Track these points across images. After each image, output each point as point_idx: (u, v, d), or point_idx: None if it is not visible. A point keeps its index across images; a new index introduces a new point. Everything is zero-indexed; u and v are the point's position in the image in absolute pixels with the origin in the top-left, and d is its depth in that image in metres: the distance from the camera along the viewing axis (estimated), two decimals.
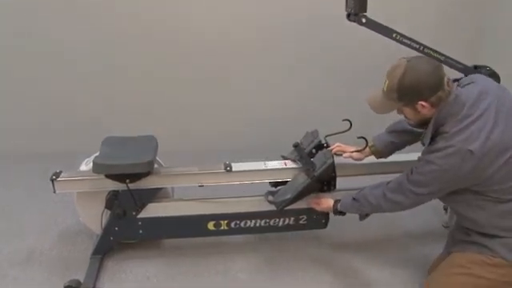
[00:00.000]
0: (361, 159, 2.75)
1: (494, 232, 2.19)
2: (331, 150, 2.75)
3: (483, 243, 2.22)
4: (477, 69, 2.80)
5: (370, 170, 2.90)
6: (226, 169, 2.79)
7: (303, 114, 4.42)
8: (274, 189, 2.86)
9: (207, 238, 2.99)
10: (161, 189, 2.81)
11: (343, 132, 2.71)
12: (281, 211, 2.74)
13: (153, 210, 2.80)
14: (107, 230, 2.84)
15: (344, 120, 2.75)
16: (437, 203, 2.56)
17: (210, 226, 2.88)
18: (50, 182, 2.72)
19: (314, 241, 3.12)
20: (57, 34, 4.00)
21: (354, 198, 2.51)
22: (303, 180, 2.69)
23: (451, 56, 2.74)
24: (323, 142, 2.84)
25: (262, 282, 2.77)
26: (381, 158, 2.74)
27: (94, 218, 2.85)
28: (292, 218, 2.91)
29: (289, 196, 2.68)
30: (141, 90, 4.27)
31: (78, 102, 4.26)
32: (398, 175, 2.35)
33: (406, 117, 2.28)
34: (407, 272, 2.84)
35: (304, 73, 4.37)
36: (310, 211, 2.86)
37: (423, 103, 2.10)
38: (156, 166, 2.86)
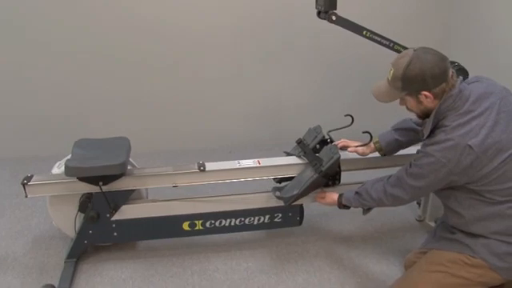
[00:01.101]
0: (366, 154, 2.75)
1: (480, 232, 2.19)
2: (337, 145, 2.77)
3: (465, 242, 2.23)
4: None
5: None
6: (199, 168, 2.78)
7: (286, 111, 4.48)
8: (279, 185, 2.87)
9: (183, 238, 2.98)
10: (134, 190, 2.79)
11: (345, 127, 2.75)
12: (259, 210, 2.79)
13: (127, 212, 2.79)
14: (81, 234, 2.81)
15: (346, 115, 2.77)
16: None
17: (185, 226, 2.87)
18: (22, 187, 2.69)
19: (291, 237, 3.14)
20: (26, 35, 3.94)
21: (356, 192, 2.52)
22: (310, 175, 2.71)
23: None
24: (326, 137, 2.86)
25: (238, 281, 2.77)
26: (385, 155, 2.76)
27: (68, 221, 2.82)
28: (267, 216, 2.92)
29: (296, 191, 2.69)
30: (112, 91, 4.22)
31: (49, 105, 4.19)
32: (399, 168, 2.36)
33: (408, 108, 2.28)
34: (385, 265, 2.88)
35: (282, 69, 4.39)
36: (284, 209, 2.88)
37: (427, 93, 2.10)
38: (129, 167, 2.85)
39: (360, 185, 2.55)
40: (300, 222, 2.98)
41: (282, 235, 3.15)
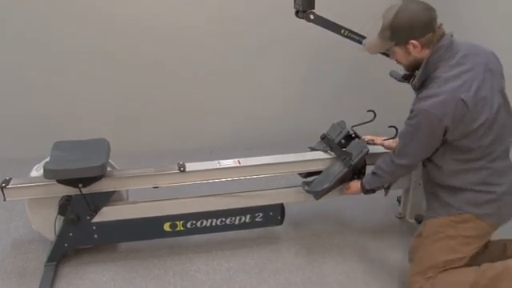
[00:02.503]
0: (392, 148, 2.74)
1: (458, 184, 2.28)
2: (365, 139, 2.80)
3: (449, 202, 2.31)
4: None
5: None
6: (179, 169, 2.78)
7: (268, 111, 4.47)
8: (306, 179, 2.91)
9: (164, 239, 2.97)
10: (115, 192, 2.78)
11: (368, 122, 2.78)
12: (246, 208, 2.83)
13: (107, 214, 2.78)
14: (61, 237, 2.79)
15: (368, 111, 2.80)
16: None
17: (166, 227, 2.87)
18: (0, 190, 2.66)
19: (273, 237, 3.14)
20: (3, 35, 3.89)
21: (373, 173, 2.57)
22: (340, 169, 2.74)
23: None
24: (351, 132, 2.90)
25: (220, 281, 2.77)
26: None
27: (47, 224, 2.80)
28: (248, 216, 2.93)
29: (326, 185, 2.71)
30: (90, 92, 4.17)
31: (26, 107, 4.13)
32: None
33: (397, 61, 2.33)
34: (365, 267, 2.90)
35: (266, 68, 4.38)
36: (265, 209, 2.90)
37: (414, 42, 2.16)
38: (109, 168, 2.84)
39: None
40: (281, 221, 2.99)
41: (264, 235, 3.15)
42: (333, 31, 2.81)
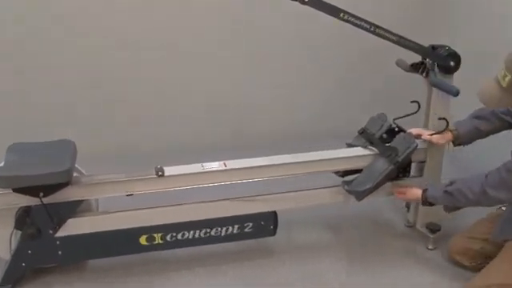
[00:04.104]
0: (440, 143, 2.67)
1: None
2: (411, 134, 2.71)
3: None
4: (435, 49, 2.64)
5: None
6: (157, 174, 2.56)
7: (248, 109, 4.31)
8: (345, 178, 2.80)
9: (140, 254, 2.72)
10: (82, 201, 2.59)
11: (412, 114, 2.75)
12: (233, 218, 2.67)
13: (74, 227, 2.56)
14: (18, 255, 2.52)
15: (412, 102, 2.75)
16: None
17: (143, 240, 2.66)
18: None
19: (264, 249, 2.91)
20: None
21: (446, 191, 2.45)
22: (385, 166, 2.64)
23: (406, 36, 2.58)
24: (393, 125, 2.83)
25: None
26: (459, 145, 2.69)
27: (1, 241, 2.53)
28: (236, 226, 2.72)
29: (369, 185, 2.61)
30: (51, 87, 3.88)
31: None
32: (496, 167, 2.29)
33: None
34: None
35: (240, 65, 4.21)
36: (255, 218, 2.73)
37: None
38: (75, 174, 2.62)
39: (447, 182, 2.49)
40: (274, 232, 2.79)
41: (255, 247, 2.91)
42: (330, 15, 2.55)
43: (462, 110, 2.69)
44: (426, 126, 2.77)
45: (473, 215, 2.73)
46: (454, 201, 2.43)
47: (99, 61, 3.89)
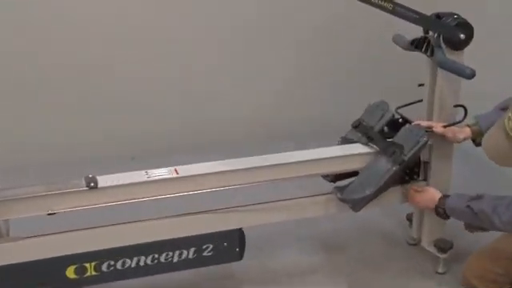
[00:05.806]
0: (459, 138, 2.37)
1: None
2: (420, 125, 2.41)
3: None
4: (441, 18, 2.27)
5: None
6: (88, 185, 2.17)
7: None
8: (338, 184, 2.52)
9: None
10: None
11: (417, 102, 2.51)
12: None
13: None
14: None
15: (420, 85, 2.48)
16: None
17: (70, 273, 2.23)
18: None
19: (231, 277, 2.56)
20: None
21: (469, 207, 2.23)
22: (388, 167, 2.35)
23: (403, 3, 2.30)
24: (396, 116, 2.56)
25: None
26: (480, 144, 2.35)
27: None
28: (192, 250, 2.31)
29: (369, 191, 2.34)
30: None
31: None
32: None
33: None
34: None
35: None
36: (216, 238, 2.33)
37: None
38: None
39: (473, 195, 2.24)
40: (241, 255, 2.40)
41: (216, 275, 2.55)
42: None
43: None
44: (429, 117, 2.42)
45: None
46: (476, 221, 2.23)
47: None
